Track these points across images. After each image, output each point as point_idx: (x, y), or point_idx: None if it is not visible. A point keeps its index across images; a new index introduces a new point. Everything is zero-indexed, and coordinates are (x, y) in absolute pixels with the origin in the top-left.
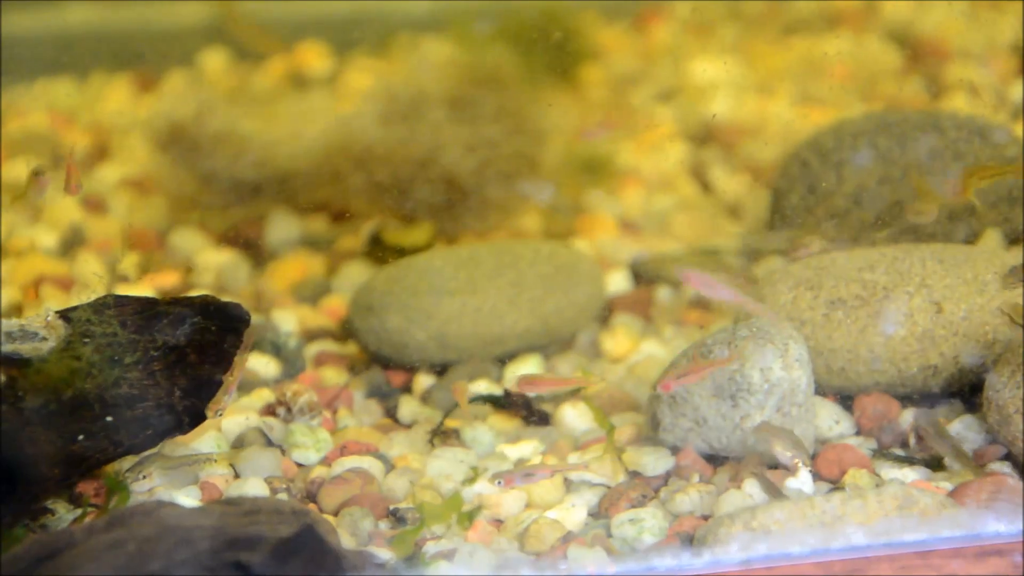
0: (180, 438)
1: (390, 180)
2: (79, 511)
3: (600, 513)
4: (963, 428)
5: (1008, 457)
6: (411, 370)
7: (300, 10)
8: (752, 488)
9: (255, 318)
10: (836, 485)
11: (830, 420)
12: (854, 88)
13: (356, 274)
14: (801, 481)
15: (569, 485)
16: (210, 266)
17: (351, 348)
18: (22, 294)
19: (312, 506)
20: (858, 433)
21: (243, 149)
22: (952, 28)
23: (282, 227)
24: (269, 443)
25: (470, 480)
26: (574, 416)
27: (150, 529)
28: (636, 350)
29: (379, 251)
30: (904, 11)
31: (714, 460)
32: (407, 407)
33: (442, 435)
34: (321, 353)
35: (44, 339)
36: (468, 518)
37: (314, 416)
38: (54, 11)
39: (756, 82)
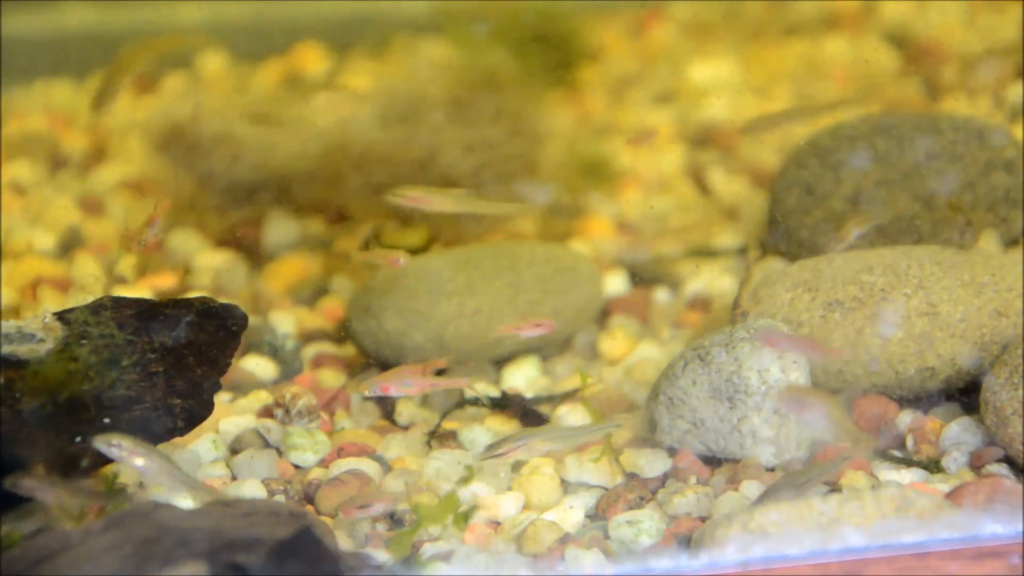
0: (177, 440)
1: (388, 181)
2: (76, 513)
3: (597, 515)
4: (960, 430)
5: (1006, 459)
6: None
7: (299, 10)
8: (750, 489)
9: (253, 320)
10: (833, 487)
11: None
12: (852, 90)
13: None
14: None
15: (567, 487)
16: (208, 267)
17: (349, 350)
18: (20, 295)
19: (309, 508)
20: None
21: (241, 150)
22: (950, 29)
23: (280, 228)
24: (266, 445)
25: (465, 480)
26: (571, 418)
27: (147, 531)
28: (633, 352)
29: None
30: (902, 12)
31: (711, 462)
32: (404, 409)
33: (439, 437)
34: (319, 355)
35: (41, 341)
36: (464, 518)
37: (312, 419)
38: (53, 12)
39: (754, 84)
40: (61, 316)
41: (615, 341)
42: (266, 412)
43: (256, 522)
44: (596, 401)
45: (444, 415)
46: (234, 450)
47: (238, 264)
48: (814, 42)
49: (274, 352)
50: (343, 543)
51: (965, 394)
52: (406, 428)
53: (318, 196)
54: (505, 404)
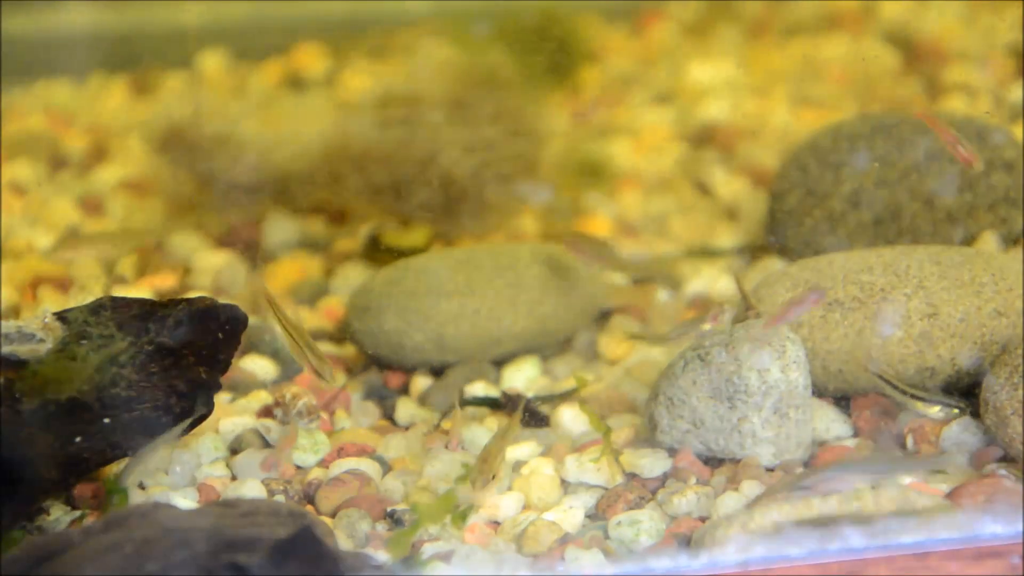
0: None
1: (388, 182)
2: (77, 513)
3: (597, 515)
4: (960, 430)
5: (1006, 459)
6: (409, 372)
7: (299, 10)
8: (750, 489)
9: (253, 320)
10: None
11: (827, 422)
12: (852, 90)
13: (354, 276)
14: None
15: (567, 487)
16: (208, 267)
17: (349, 350)
18: (20, 295)
19: (309, 508)
20: (855, 435)
21: (241, 151)
22: (950, 29)
23: (280, 229)
24: (266, 445)
25: (463, 478)
26: (572, 418)
27: (148, 531)
28: (633, 352)
29: (377, 253)
30: (902, 12)
31: (711, 462)
32: (404, 409)
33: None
34: None
35: (41, 341)
36: (462, 517)
37: (312, 419)
38: (53, 12)
39: (754, 84)
40: (61, 316)
41: (615, 341)
42: (266, 412)
43: (256, 522)
44: (595, 402)
45: (444, 415)
46: (234, 450)
47: (238, 264)
48: (814, 42)
49: (274, 352)
50: (343, 543)
51: (965, 394)
52: (406, 428)
53: (318, 196)
54: (505, 404)
